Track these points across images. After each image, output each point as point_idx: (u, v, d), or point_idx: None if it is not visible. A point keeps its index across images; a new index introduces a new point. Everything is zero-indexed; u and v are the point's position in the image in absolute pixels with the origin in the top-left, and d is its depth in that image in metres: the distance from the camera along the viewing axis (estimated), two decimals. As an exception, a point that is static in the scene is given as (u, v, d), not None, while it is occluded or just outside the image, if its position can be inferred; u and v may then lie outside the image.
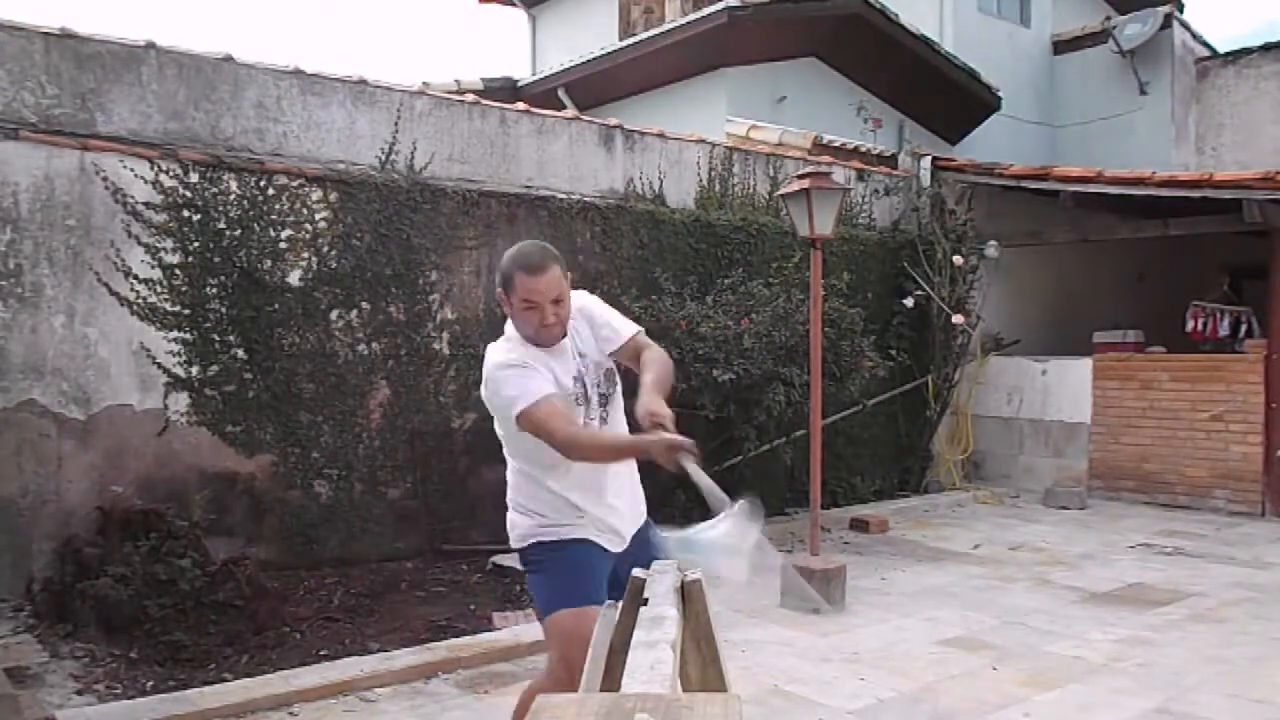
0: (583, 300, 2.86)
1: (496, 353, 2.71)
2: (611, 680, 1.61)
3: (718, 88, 10.39)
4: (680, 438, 2.38)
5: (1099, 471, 9.02)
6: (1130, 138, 12.01)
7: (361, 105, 6.08)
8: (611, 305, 2.96)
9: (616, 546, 2.77)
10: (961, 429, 9.53)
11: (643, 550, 2.67)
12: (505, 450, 2.83)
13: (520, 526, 2.80)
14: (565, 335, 2.75)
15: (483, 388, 2.73)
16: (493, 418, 2.78)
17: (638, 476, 2.89)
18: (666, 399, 2.64)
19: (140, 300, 5.33)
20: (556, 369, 2.69)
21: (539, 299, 2.61)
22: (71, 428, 5.12)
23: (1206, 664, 4.43)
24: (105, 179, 5.21)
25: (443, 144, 6.43)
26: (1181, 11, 12.74)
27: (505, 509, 2.85)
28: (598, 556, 2.73)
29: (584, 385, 2.76)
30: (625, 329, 2.85)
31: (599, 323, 2.83)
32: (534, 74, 12.40)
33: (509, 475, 2.84)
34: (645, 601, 1.76)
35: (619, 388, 2.87)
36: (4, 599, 4.86)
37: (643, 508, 2.91)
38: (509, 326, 2.77)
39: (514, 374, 2.62)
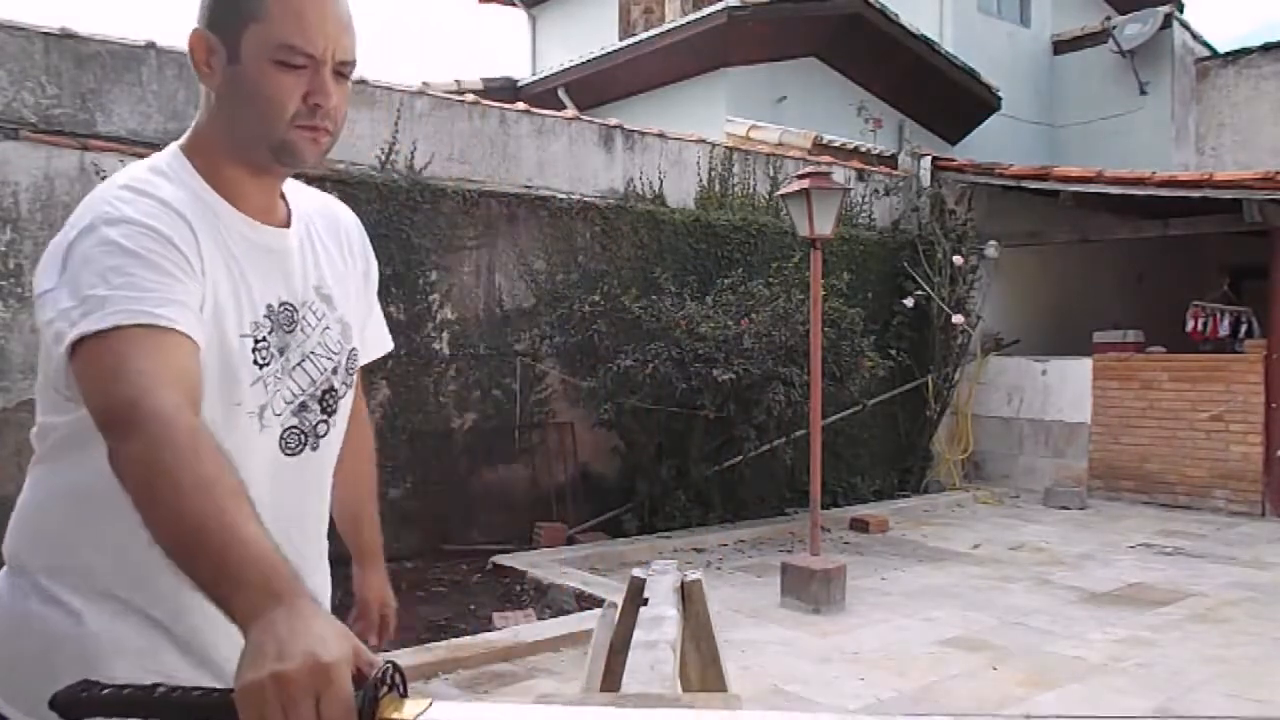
0: (351, 218, 1.50)
1: (112, 188, 1.26)
2: (611, 680, 1.61)
3: (718, 88, 10.39)
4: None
5: (1099, 471, 9.02)
6: (1130, 138, 12.02)
7: (361, 105, 6.08)
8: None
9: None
10: (961, 429, 9.53)
11: None
12: (39, 430, 1.34)
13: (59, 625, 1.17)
14: (303, 193, 1.41)
15: (41, 266, 1.24)
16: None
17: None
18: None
19: (140, 300, 5.32)
20: (253, 269, 1.26)
21: (315, 48, 1.20)
22: (71, 428, 5.11)
23: (1206, 664, 4.43)
24: (105, 179, 5.21)
25: (443, 144, 6.43)
26: (1181, 11, 12.75)
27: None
28: None
29: (288, 338, 1.29)
30: (385, 342, 1.58)
31: (371, 284, 1.51)
32: (534, 74, 12.40)
33: (40, 492, 1.30)
34: (645, 601, 1.76)
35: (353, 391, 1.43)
36: (4, 599, 4.85)
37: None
38: (154, 161, 1.29)
39: (130, 236, 1.13)
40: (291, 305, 1.31)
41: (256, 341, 1.25)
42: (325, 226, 1.42)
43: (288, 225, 1.34)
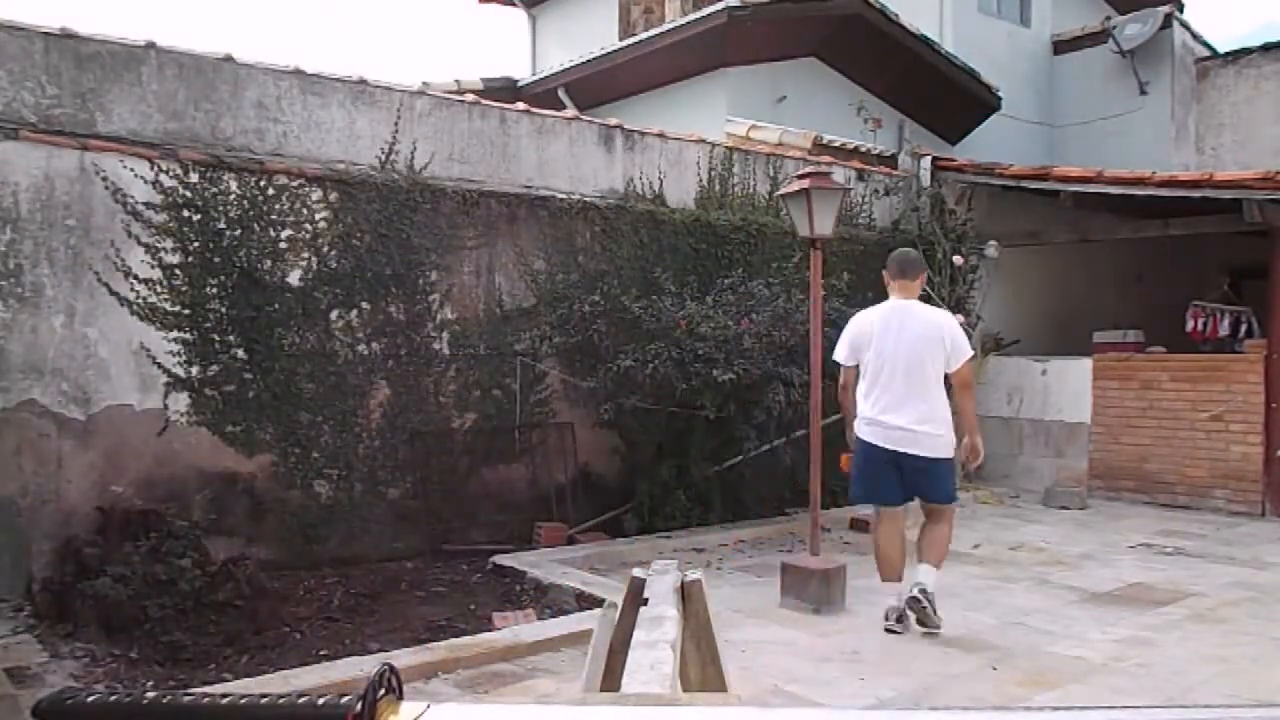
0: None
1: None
2: (611, 680, 1.61)
3: (718, 88, 10.39)
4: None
5: (1099, 471, 9.01)
6: (1130, 138, 12.02)
7: (361, 105, 6.08)
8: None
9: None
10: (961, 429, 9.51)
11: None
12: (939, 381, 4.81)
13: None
14: None
15: (952, 332, 4.79)
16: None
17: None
18: None
19: (140, 300, 5.33)
20: None
21: None
22: (71, 428, 5.12)
23: (1206, 664, 4.43)
24: (105, 179, 5.22)
25: (443, 144, 6.43)
26: (1181, 11, 12.74)
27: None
28: None
29: None
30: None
31: None
32: (534, 74, 12.40)
33: (942, 400, 4.88)
34: (645, 601, 1.76)
35: None
36: (4, 599, 4.86)
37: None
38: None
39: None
40: None
41: None
42: None
43: None
